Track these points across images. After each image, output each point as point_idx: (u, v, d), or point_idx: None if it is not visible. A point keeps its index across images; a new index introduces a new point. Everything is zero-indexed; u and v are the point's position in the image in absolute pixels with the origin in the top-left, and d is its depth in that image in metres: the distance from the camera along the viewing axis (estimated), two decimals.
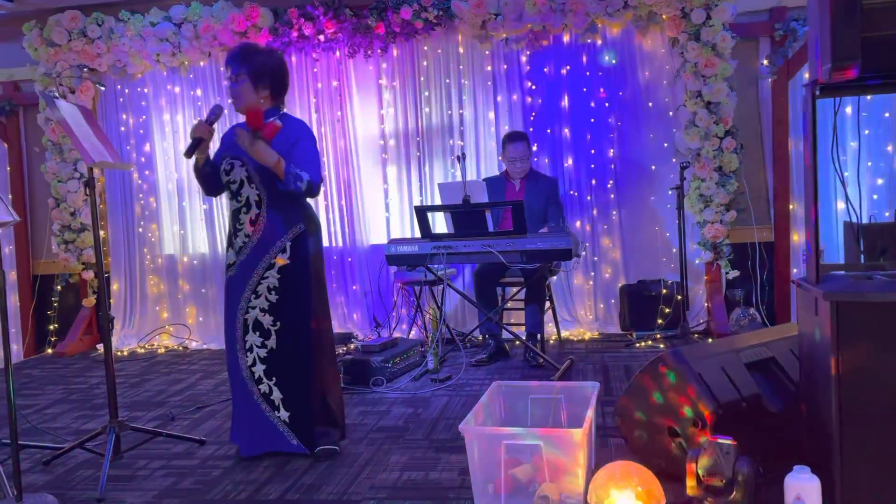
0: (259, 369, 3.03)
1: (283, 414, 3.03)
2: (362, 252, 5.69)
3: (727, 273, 5.11)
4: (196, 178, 3.17)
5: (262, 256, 3.01)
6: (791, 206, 5.12)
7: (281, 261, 3.00)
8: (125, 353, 5.60)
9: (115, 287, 6.01)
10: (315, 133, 5.53)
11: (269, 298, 3.01)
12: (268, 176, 2.97)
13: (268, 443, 3.06)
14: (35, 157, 6.06)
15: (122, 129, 5.93)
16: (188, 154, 3.00)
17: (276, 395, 3.02)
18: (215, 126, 3.06)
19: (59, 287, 5.94)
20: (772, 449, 2.52)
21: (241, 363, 3.06)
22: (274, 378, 3.02)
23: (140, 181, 5.96)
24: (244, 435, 3.11)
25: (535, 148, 5.39)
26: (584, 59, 5.30)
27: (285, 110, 3.20)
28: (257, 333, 3.02)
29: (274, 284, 3.00)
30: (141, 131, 5.93)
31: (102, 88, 5.70)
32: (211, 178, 3.13)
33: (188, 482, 2.89)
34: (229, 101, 3.12)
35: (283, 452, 3.05)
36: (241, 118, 3.06)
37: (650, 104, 5.27)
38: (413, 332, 5.25)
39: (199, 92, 5.80)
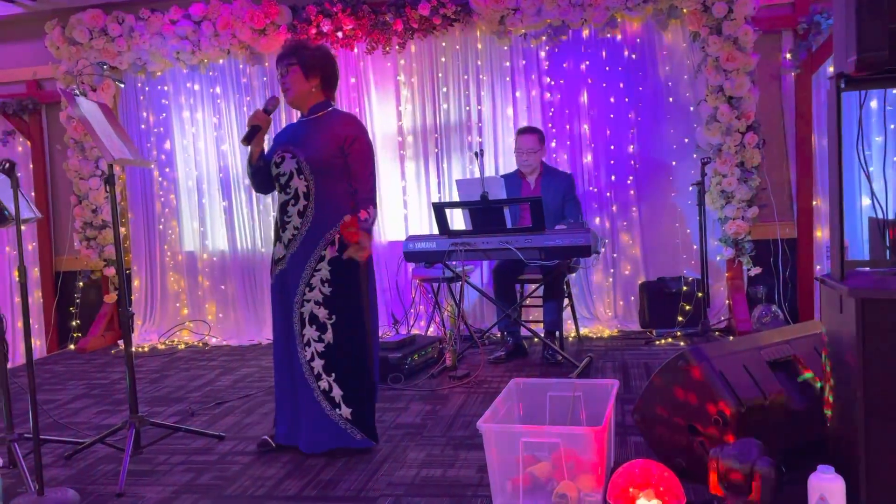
0: (318, 364, 3.00)
1: (346, 411, 3.00)
2: (380, 249, 5.68)
3: (749, 270, 5.05)
4: (248, 175, 3.17)
5: (312, 249, 3.00)
6: (814, 202, 5.05)
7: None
8: (146, 349, 5.65)
9: (135, 283, 6.06)
10: None
11: (322, 291, 2.99)
12: (318, 167, 2.99)
13: (331, 440, 3.03)
14: (57, 154, 6.13)
15: (143, 126, 5.99)
16: (246, 141, 3.02)
17: (337, 392, 3.00)
18: (272, 117, 3.07)
19: (80, 283, 6.00)
20: (795, 448, 2.48)
21: (300, 358, 3.03)
22: (333, 374, 3.00)
23: (160, 178, 6.01)
24: (303, 432, 3.05)
25: (553, 144, 5.36)
26: (604, 54, 5.26)
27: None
28: (314, 327, 3.00)
29: (326, 277, 2.99)
30: (161, 129, 5.98)
31: (122, 86, 5.74)
32: (263, 173, 3.13)
33: (207, 477, 2.91)
34: (281, 95, 3.11)
35: (344, 448, 3.03)
36: (293, 115, 3.07)
37: (671, 99, 5.22)
38: (431, 329, 5.24)
39: (218, 89, 5.83)
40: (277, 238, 3.10)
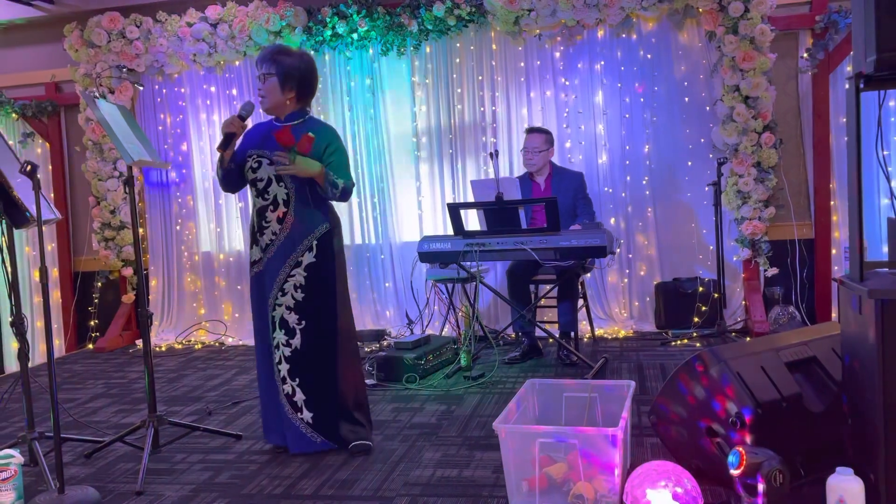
0: (283, 369, 3.04)
1: (307, 415, 3.05)
2: (395, 249, 5.71)
3: (765, 270, 5.02)
4: (217, 174, 3.17)
5: (289, 254, 3.02)
6: (832, 203, 5.01)
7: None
8: (163, 349, 5.70)
9: (153, 283, 6.12)
10: (348, 131, 5.64)
11: (294, 297, 3.02)
12: (297, 176, 3.00)
13: (293, 443, 3.08)
14: (76, 156, 6.20)
15: (160, 128, 6.04)
16: (221, 148, 3.03)
17: (299, 397, 3.04)
18: (248, 122, 3.09)
19: (99, 284, 6.06)
20: (813, 450, 2.46)
21: (273, 359, 3.08)
22: (297, 379, 3.04)
23: (177, 179, 6.05)
24: (276, 430, 3.13)
25: (568, 144, 5.35)
26: (619, 54, 5.24)
27: (311, 113, 3.22)
28: (283, 331, 3.04)
29: (300, 283, 3.02)
30: (178, 130, 6.03)
31: (141, 88, 5.80)
32: (234, 174, 3.14)
33: (225, 476, 2.93)
34: (259, 98, 3.14)
35: (310, 452, 3.07)
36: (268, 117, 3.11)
37: (686, 99, 5.20)
38: (446, 330, 5.25)
39: (234, 91, 5.87)
40: (255, 241, 3.11)
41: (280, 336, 3.04)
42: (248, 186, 3.16)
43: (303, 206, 3.03)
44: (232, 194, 3.41)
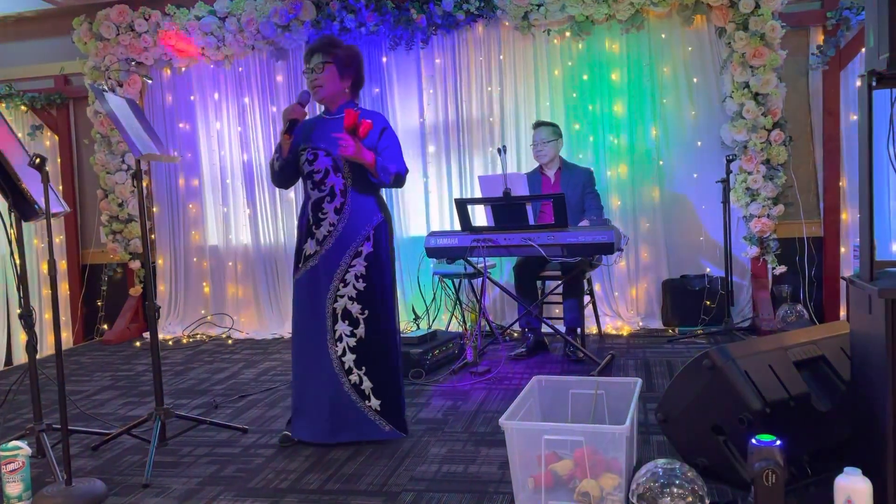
0: (349, 359, 3.05)
1: (375, 402, 3.06)
2: (402, 244, 5.69)
3: (774, 268, 5.00)
4: (272, 166, 3.18)
5: (348, 245, 3.04)
6: (841, 201, 4.98)
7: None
8: (170, 342, 5.72)
9: (160, 277, 6.13)
10: None
11: (356, 287, 3.04)
12: (356, 165, 3.03)
13: (360, 432, 3.07)
14: (84, 149, 6.21)
15: (168, 122, 6.03)
16: (289, 134, 3.05)
17: (367, 385, 3.06)
18: (306, 109, 3.10)
19: (106, 276, 6.08)
20: (821, 449, 2.45)
21: (329, 354, 3.06)
22: (364, 367, 3.05)
23: (185, 173, 6.06)
24: (329, 425, 3.07)
25: (576, 141, 5.32)
26: (628, 49, 5.21)
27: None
28: (346, 322, 3.05)
29: (361, 272, 3.04)
30: (186, 124, 6.03)
31: (150, 81, 5.80)
32: (289, 168, 3.15)
33: (231, 470, 2.93)
34: (314, 88, 3.09)
35: (370, 441, 3.08)
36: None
37: (695, 95, 5.16)
38: (452, 325, 5.25)
39: (242, 85, 5.86)
40: (310, 234, 3.10)
41: (343, 327, 3.05)
42: (301, 180, 3.18)
43: (359, 197, 3.07)
44: (285, 189, 3.42)
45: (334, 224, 3.05)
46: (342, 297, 3.05)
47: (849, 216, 4.99)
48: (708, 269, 5.20)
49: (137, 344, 5.71)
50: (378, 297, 3.07)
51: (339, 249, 3.04)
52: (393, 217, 5.63)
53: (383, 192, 3.29)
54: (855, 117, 4.90)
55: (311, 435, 3.11)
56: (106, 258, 6.08)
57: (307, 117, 3.19)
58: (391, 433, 3.09)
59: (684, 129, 5.21)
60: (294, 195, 5.71)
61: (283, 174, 3.19)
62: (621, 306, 5.37)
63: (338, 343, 3.06)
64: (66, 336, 6.15)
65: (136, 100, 5.75)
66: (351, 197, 3.06)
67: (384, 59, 5.59)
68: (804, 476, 2.39)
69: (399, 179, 3.11)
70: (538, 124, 4.80)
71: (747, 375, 2.38)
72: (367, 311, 3.05)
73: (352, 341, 3.05)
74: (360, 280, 3.04)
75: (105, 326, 6.05)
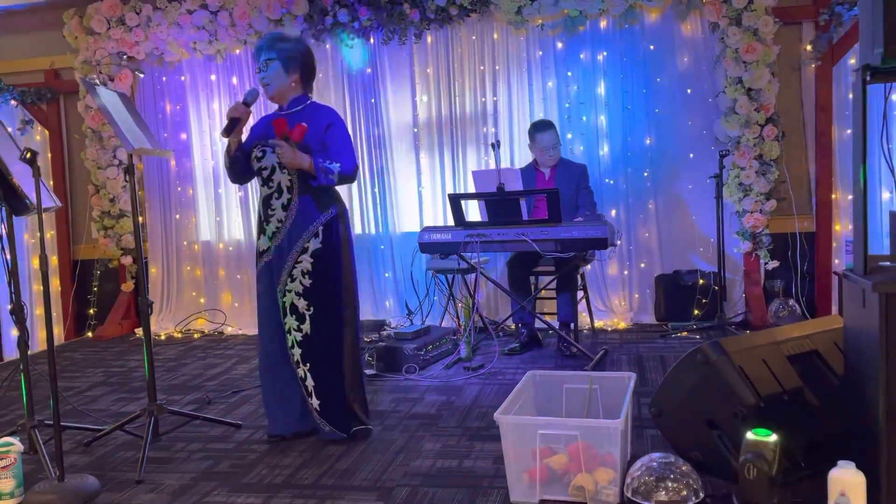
0: (297, 353, 3.06)
1: (315, 402, 3.06)
2: (395, 239, 5.69)
3: (766, 263, 5.01)
4: (225, 165, 3.20)
5: (296, 241, 3.04)
6: (833, 196, 5.00)
7: None
8: (162, 338, 5.69)
9: (152, 272, 6.10)
10: (348, 120, 5.61)
11: (303, 283, 3.03)
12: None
13: (305, 422, 3.12)
14: (75, 143, 6.17)
15: (160, 116, 6.01)
16: (225, 133, 3.05)
17: (310, 382, 3.06)
18: (252, 109, 3.09)
19: (98, 272, 6.05)
20: (814, 443, 2.46)
21: (286, 345, 3.09)
22: (308, 364, 3.05)
23: (177, 168, 6.03)
24: (280, 416, 3.14)
25: (569, 136, 5.33)
26: (622, 44, 5.21)
27: (313, 97, 3.23)
28: (294, 317, 3.05)
29: (307, 269, 3.03)
30: (178, 119, 6.00)
31: (142, 76, 5.77)
32: (241, 165, 3.16)
33: (225, 465, 2.93)
34: (261, 88, 3.15)
35: (321, 439, 3.10)
36: (272, 107, 3.10)
37: (689, 91, 5.17)
38: (446, 320, 5.25)
39: (234, 80, 5.84)
40: (261, 230, 3.12)
41: (291, 321, 3.05)
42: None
43: (307, 193, 3.04)
44: (240, 185, 3.45)
45: (282, 220, 3.05)
46: (290, 291, 3.05)
47: (841, 211, 5.01)
48: (701, 265, 5.21)
49: (129, 340, 5.68)
50: (325, 293, 3.04)
51: (288, 245, 3.04)
52: (386, 212, 5.67)
53: (345, 188, 3.26)
54: (848, 112, 4.91)
55: (285, 427, 3.14)
56: (97, 254, 6.05)
57: (266, 114, 3.20)
58: (331, 434, 3.07)
59: (677, 125, 5.21)
60: None
61: (234, 171, 3.19)
62: (614, 301, 5.37)
63: (288, 335, 3.08)
64: (58, 332, 6.11)
65: (128, 94, 5.72)
66: (299, 194, 3.04)
67: (377, 54, 5.57)
68: (798, 469, 2.40)
69: (345, 178, 3.05)
70: (541, 127, 4.73)
71: (741, 370, 2.38)
72: (312, 308, 3.03)
73: (299, 336, 3.05)
74: (307, 276, 3.03)
75: (96, 322, 6.02)
